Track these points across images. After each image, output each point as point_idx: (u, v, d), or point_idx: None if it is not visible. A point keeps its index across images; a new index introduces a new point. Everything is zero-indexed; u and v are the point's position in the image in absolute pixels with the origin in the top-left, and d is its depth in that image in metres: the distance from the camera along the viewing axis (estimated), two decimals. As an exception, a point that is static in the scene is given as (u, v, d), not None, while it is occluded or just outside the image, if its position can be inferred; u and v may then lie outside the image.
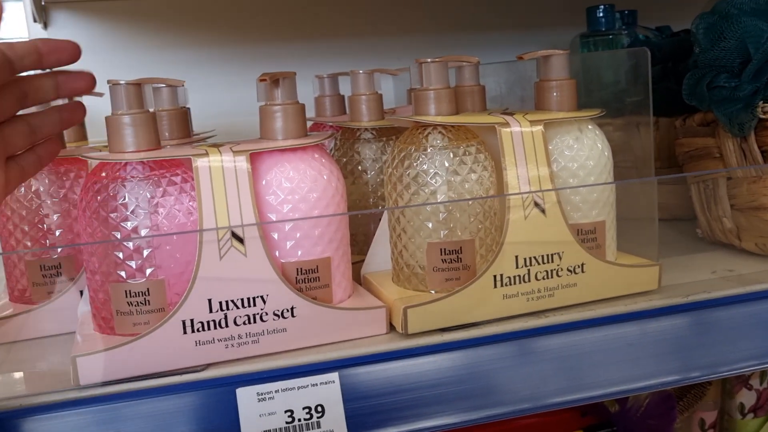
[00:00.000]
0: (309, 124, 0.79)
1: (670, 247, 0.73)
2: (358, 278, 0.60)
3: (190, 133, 0.65)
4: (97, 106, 0.67)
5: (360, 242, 0.67)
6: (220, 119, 0.89)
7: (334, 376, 0.49)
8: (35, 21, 0.93)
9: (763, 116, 0.61)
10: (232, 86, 0.97)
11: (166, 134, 0.62)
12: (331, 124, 0.74)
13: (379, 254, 0.60)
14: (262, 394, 0.48)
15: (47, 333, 0.58)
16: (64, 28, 0.95)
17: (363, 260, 0.61)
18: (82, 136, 0.70)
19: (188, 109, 0.74)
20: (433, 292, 0.54)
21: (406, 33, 1.05)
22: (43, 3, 0.94)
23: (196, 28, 0.98)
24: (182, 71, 0.97)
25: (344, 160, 0.67)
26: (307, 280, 0.52)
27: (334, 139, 0.69)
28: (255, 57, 1.00)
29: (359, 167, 0.66)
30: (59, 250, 0.59)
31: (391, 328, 0.54)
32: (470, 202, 0.53)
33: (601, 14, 0.87)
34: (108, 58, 0.96)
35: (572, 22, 0.96)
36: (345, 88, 0.77)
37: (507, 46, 1.04)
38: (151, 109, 0.51)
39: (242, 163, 0.49)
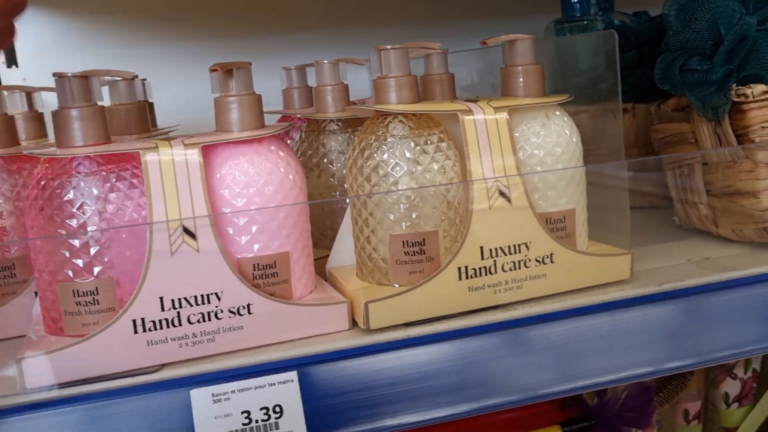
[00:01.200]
0: (277, 117, 0.78)
1: (647, 235, 0.71)
2: (325, 272, 0.58)
3: (150, 127, 0.63)
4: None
5: (328, 237, 0.65)
6: (187, 114, 0.87)
7: (292, 374, 0.48)
8: None
9: (737, 99, 0.60)
10: (201, 81, 0.95)
11: (124, 129, 0.60)
12: (299, 116, 0.72)
13: (345, 248, 0.58)
14: (217, 395, 0.47)
15: (3, 336, 0.56)
16: (28, 23, 0.93)
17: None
18: (42, 133, 0.68)
19: (150, 103, 0.72)
20: (396, 285, 0.53)
21: (380, 23, 1.03)
22: (7, -2, 0.92)
23: (164, 22, 0.96)
24: (151, 66, 0.95)
25: (310, 152, 0.65)
26: (264, 275, 0.50)
27: (300, 131, 0.68)
28: (225, 51, 0.98)
29: (325, 159, 0.64)
30: (13, 250, 0.57)
31: (355, 323, 0.52)
32: (433, 192, 0.52)
33: (576, 0, 0.85)
34: (75, 54, 0.94)
35: (548, 9, 0.94)
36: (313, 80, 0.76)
37: (482, 34, 1.01)
38: (101, 103, 0.50)
39: (194, 156, 0.47)
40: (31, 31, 0.93)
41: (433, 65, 0.67)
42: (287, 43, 1.00)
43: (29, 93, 0.65)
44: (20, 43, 0.93)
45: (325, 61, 0.65)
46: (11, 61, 0.92)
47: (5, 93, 0.62)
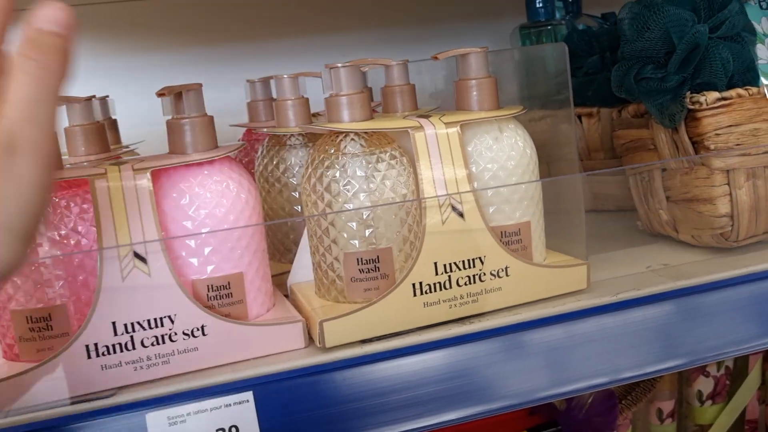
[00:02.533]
0: (243, 131, 0.78)
1: (610, 239, 0.72)
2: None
3: (109, 147, 0.63)
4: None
5: (292, 251, 0.65)
6: (153, 126, 0.87)
7: (248, 395, 0.48)
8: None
9: (692, 107, 0.60)
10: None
11: (83, 150, 0.60)
12: (265, 130, 0.72)
13: (304, 264, 0.58)
14: (173, 417, 0.47)
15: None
16: None
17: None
18: None
19: (114, 120, 0.72)
20: (352, 303, 0.53)
21: (346, 30, 1.03)
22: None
23: (128, 34, 0.96)
24: (114, 78, 0.95)
25: (270, 167, 0.65)
26: (219, 297, 0.50)
27: (261, 146, 0.68)
28: (188, 61, 0.98)
29: (286, 174, 0.65)
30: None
31: (312, 341, 0.52)
32: (387, 210, 0.52)
33: (540, 4, 0.86)
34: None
35: (517, 12, 0.94)
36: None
37: (450, 38, 1.02)
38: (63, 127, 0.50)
39: (143, 181, 0.48)
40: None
41: (393, 76, 0.68)
42: (252, 53, 1.00)
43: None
44: None
45: (285, 76, 0.65)
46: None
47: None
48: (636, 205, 0.71)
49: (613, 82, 0.65)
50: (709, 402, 0.94)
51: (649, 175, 0.67)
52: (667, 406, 0.92)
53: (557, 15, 0.87)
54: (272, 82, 0.77)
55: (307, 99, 0.66)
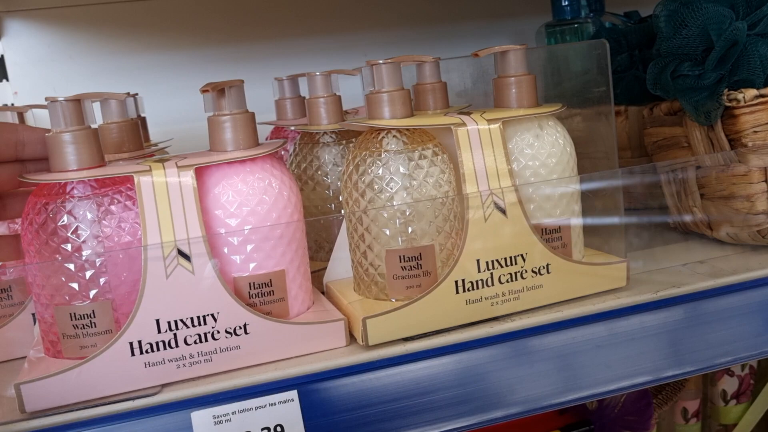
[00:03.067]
0: (270, 128, 0.78)
1: (642, 237, 0.71)
2: (323, 285, 0.58)
3: (143, 144, 0.62)
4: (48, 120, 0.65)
5: (325, 249, 0.65)
6: (180, 125, 0.87)
7: (292, 394, 0.48)
8: (-12, 31, 0.91)
9: (729, 104, 0.60)
10: (191, 90, 0.95)
11: (117, 147, 0.60)
12: (293, 128, 0.72)
13: (342, 261, 0.58)
14: (218, 416, 0.47)
15: (1, 358, 0.56)
16: (18, 36, 0.92)
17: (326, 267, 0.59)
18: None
19: (143, 118, 0.72)
20: (394, 300, 0.53)
21: (369, 28, 1.03)
22: (-5, 12, 0.91)
23: (153, 33, 0.96)
24: (140, 76, 0.95)
25: (304, 164, 0.65)
26: (260, 294, 0.50)
27: (294, 144, 0.68)
28: (215, 60, 0.98)
29: (319, 172, 0.64)
30: (10, 271, 0.57)
31: (353, 339, 0.52)
32: (428, 207, 0.52)
33: (566, 2, 0.85)
34: (66, 66, 0.94)
35: (539, 11, 0.94)
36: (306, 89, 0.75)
37: (472, 37, 1.02)
38: (94, 125, 0.49)
39: (187, 178, 0.47)
40: (20, 45, 0.92)
41: (426, 74, 0.67)
42: (278, 50, 1.00)
43: (21, 113, 0.65)
44: (10, 57, 0.92)
45: (317, 73, 0.65)
46: (2, 75, 0.92)
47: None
48: (668, 203, 0.71)
49: (649, 80, 0.64)
50: (734, 401, 0.93)
51: (683, 172, 0.67)
52: (692, 405, 0.91)
53: (582, 13, 0.87)
54: (300, 79, 0.77)
55: (339, 96, 0.66)
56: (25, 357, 0.52)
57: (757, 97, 0.59)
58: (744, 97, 0.59)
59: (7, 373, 0.54)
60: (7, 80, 0.92)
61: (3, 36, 0.92)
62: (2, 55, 0.92)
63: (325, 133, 0.65)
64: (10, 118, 0.65)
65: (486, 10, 1.04)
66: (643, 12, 0.93)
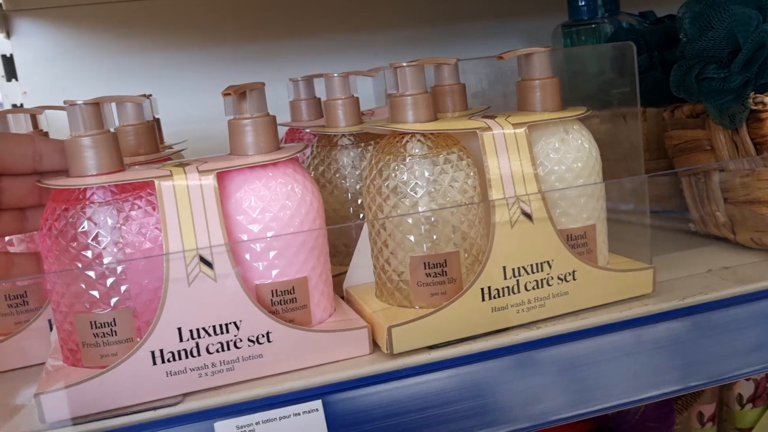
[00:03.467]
0: (284, 129, 0.77)
1: (661, 241, 0.70)
2: (341, 290, 0.57)
3: (159, 147, 0.61)
4: (61, 121, 0.64)
5: (342, 253, 0.64)
6: (192, 125, 0.86)
7: (317, 403, 0.47)
8: (-3, 30, 0.90)
9: (755, 107, 0.59)
10: (204, 91, 0.94)
11: (133, 150, 0.59)
12: (308, 129, 0.71)
13: (362, 267, 0.57)
14: (242, 427, 0.46)
15: (16, 365, 0.55)
16: (27, 36, 0.91)
17: (345, 272, 0.58)
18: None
19: (157, 119, 0.71)
20: (417, 307, 0.52)
21: (382, 28, 1.02)
22: (4, 10, 0.90)
23: (164, 32, 0.95)
24: (152, 76, 0.94)
25: (321, 168, 0.64)
26: (283, 302, 0.49)
27: (311, 146, 0.67)
28: (226, 60, 0.97)
29: (337, 175, 0.63)
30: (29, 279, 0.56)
31: (376, 346, 0.51)
32: (453, 212, 0.51)
33: (583, 3, 0.84)
34: (75, 65, 0.93)
35: (554, 11, 0.93)
36: (321, 90, 0.74)
37: (486, 36, 1.01)
38: (113, 129, 0.48)
39: (209, 183, 0.46)
40: (30, 44, 0.91)
41: (444, 76, 0.66)
42: (286, 51, 0.99)
43: (33, 115, 0.64)
44: (19, 56, 0.91)
45: (335, 75, 0.64)
46: (11, 74, 0.91)
47: (10, 116, 0.61)
48: (689, 207, 0.70)
49: (673, 82, 0.63)
50: (750, 405, 0.93)
51: (706, 176, 0.66)
52: (708, 409, 0.91)
53: (599, 13, 0.85)
54: (315, 81, 0.76)
55: (357, 98, 0.65)
56: (40, 364, 0.51)
57: (784, 100, 0.58)
58: (771, 101, 0.58)
59: (22, 381, 0.53)
60: (17, 80, 0.91)
61: (12, 35, 0.91)
62: (11, 54, 0.91)
63: (343, 135, 0.64)
64: (23, 120, 0.64)
65: (498, 10, 1.03)
66: (658, 12, 0.91)
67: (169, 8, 0.95)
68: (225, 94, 0.48)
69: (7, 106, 0.91)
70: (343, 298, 0.57)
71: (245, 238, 0.48)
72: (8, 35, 0.91)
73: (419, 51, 1.00)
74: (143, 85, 0.91)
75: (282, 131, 0.78)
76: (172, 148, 0.68)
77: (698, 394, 0.84)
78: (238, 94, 0.49)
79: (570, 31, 0.87)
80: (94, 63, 0.93)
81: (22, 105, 0.91)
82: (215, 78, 0.94)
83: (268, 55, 0.98)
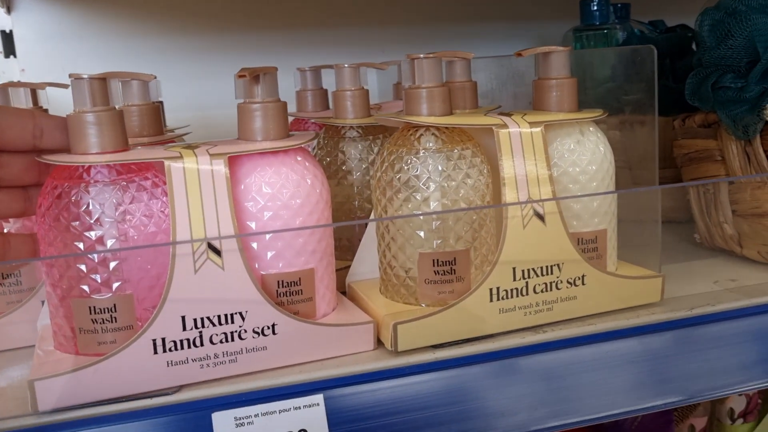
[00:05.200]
0: (290, 119, 0.75)
1: (666, 252, 0.69)
2: (342, 286, 0.56)
3: (163, 129, 0.60)
4: (61, 99, 0.63)
5: (344, 247, 0.63)
6: (194, 112, 0.84)
7: (318, 398, 0.46)
8: (-3, 5, 0.88)
9: (770, 119, 0.58)
10: (207, 77, 0.92)
11: (136, 131, 0.58)
12: (314, 120, 0.70)
13: (366, 261, 0.56)
14: (240, 418, 0.44)
15: (8, 346, 0.53)
16: (28, 11, 0.89)
17: (347, 266, 0.57)
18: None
19: (161, 102, 0.69)
20: (423, 305, 0.51)
21: (392, 24, 1.01)
22: (6, -15, 0.88)
23: (169, 15, 0.93)
24: (154, 60, 0.92)
25: (328, 159, 0.63)
26: (289, 293, 0.48)
27: (318, 137, 0.65)
28: (231, 46, 0.95)
29: (344, 167, 0.62)
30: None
31: (379, 343, 0.50)
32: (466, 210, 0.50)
33: (596, 8, 0.84)
34: (76, 45, 0.91)
35: (564, 15, 0.92)
36: (327, 81, 0.73)
37: (496, 38, 1.00)
38: (118, 106, 0.47)
39: (220, 167, 0.45)
40: (31, 20, 0.89)
41: (457, 72, 0.65)
42: (296, 41, 0.97)
43: (33, 90, 0.62)
44: (19, 33, 0.89)
45: (345, 65, 0.62)
46: (9, 51, 0.89)
47: (10, 90, 0.59)
48: (695, 218, 0.69)
49: (688, 90, 0.63)
50: (740, 420, 0.92)
51: (715, 187, 0.65)
52: (700, 423, 0.90)
53: (610, 19, 0.85)
54: (323, 71, 0.74)
55: (367, 90, 0.64)
56: (30, 347, 0.49)
57: (800, 113, 0.58)
58: (787, 113, 0.57)
59: (12, 363, 0.51)
60: (15, 56, 0.89)
61: (13, 10, 0.89)
62: (11, 30, 0.89)
63: (351, 127, 0.63)
64: (23, 95, 0.63)
65: (509, 12, 1.02)
66: (668, 22, 0.91)
67: (175, -8, 0.93)
68: (240, 76, 0.47)
69: (4, 84, 0.89)
70: (344, 293, 0.56)
71: (253, 225, 0.47)
72: (8, 10, 0.89)
73: (428, 49, 0.98)
74: (144, 69, 0.89)
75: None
76: (174, 132, 0.66)
77: (694, 407, 0.83)
78: (252, 77, 0.47)
79: (581, 35, 0.86)
80: (95, 44, 0.91)
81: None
82: (218, 65, 0.93)
83: (275, 44, 0.96)
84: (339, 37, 0.98)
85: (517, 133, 0.50)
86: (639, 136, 0.58)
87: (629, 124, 0.59)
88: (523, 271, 0.50)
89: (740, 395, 0.91)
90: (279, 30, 0.97)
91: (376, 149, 0.62)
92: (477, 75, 0.73)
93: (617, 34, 0.84)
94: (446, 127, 0.51)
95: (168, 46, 0.93)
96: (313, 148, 0.65)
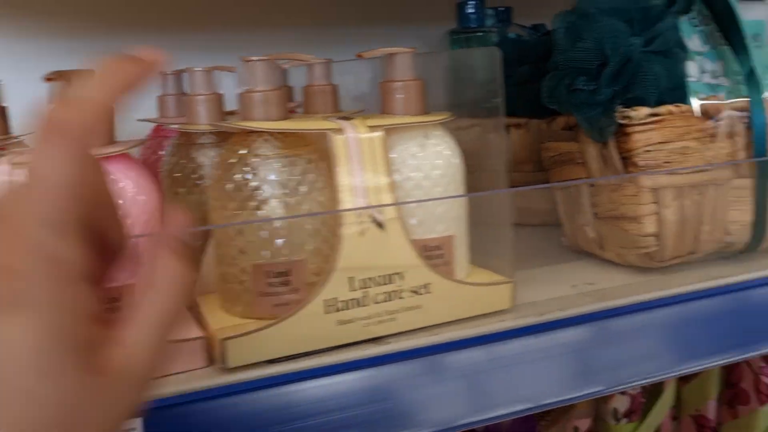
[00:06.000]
0: (151, 126, 0.72)
1: (534, 255, 0.69)
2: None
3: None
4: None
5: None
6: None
7: (135, 422, 0.43)
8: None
9: (622, 121, 0.58)
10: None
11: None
12: (174, 126, 0.67)
13: (209, 275, 0.53)
14: None
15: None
16: None
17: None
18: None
19: (3, 107, 0.65)
20: (259, 319, 0.49)
21: (269, 26, 0.98)
22: None
23: (20, 20, 0.88)
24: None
25: (177, 167, 0.60)
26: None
27: (170, 143, 0.62)
28: (90, 50, 0.91)
29: (193, 175, 0.59)
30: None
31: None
32: (300, 218, 0.48)
33: (471, 10, 0.83)
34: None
35: (445, 18, 0.91)
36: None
37: (375, 41, 0.97)
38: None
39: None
40: None
41: (315, 75, 0.64)
42: (167, 43, 0.94)
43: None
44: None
45: (197, 69, 0.60)
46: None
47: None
48: (562, 221, 0.69)
49: (544, 92, 0.62)
50: (625, 420, 0.93)
51: (576, 190, 0.65)
52: (584, 424, 0.90)
53: (488, 23, 0.84)
54: (184, 75, 0.71)
55: (221, 95, 0.61)
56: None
57: (649, 115, 0.58)
58: (637, 115, 0.58)
59: None
60: None
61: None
62: None
63: (203, 133, 0.60)
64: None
65: (391, 15, 1.00)
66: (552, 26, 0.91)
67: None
68: (48, 79, 0.44)
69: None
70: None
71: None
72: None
73: (309, 52, 0.96)
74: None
75: (148, 128, 0.73)
76: (17, 138, 0.63)
77: (567, 410, 0.83)
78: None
79: (458, 38, 0.85)
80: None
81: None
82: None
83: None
84: (216, 40, 0.95)
85: (354, 138, 0.48)
86: (492, 139, 0.57)
87: (484, 127, 0.58)
88: (361, 280, 0.48)
89: (623, 394, 0.92)
90: (145, 31, 0.93)
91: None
92: (345, 78, 0.71)
93: (492, 37, 0.83)
94: (281, 133, 0.48)
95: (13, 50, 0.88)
96: (166, 155, 0.62)
